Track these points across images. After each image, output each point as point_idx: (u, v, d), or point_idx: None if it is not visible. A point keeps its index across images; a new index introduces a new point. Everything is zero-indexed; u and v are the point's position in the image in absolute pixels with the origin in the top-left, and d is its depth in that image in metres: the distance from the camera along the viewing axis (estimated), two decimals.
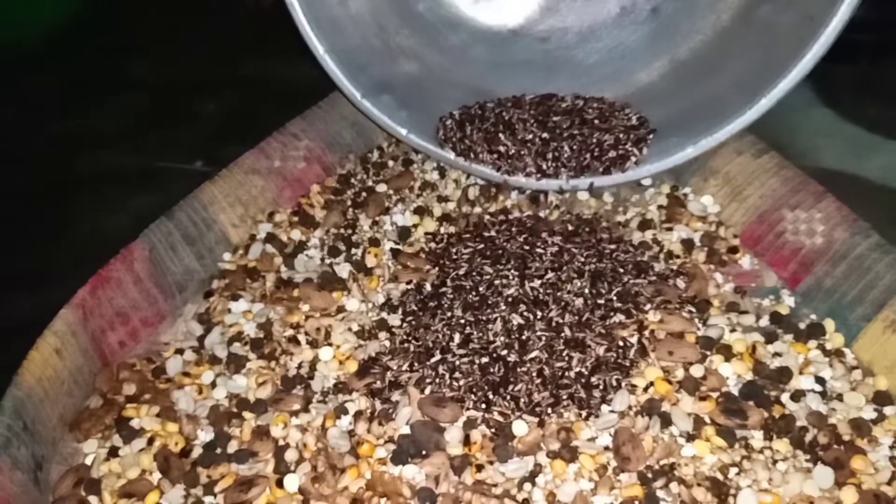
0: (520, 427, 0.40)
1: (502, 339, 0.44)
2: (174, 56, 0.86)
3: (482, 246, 0.51)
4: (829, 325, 0.46)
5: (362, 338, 0.47)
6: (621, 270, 0.48)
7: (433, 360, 0.43)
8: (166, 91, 0.81)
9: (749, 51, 0.54)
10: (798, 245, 0.49)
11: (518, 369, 0.42)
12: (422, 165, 0.61)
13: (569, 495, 0.38)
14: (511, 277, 0.47)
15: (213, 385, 0.45)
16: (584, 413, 0.41)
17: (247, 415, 0.43)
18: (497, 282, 0.47)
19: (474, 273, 0.48)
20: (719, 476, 0.39)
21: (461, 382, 0.42)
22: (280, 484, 0.39)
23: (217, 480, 0.40)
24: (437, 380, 0.43)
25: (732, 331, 0.46)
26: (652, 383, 0.43)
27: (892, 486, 0.38)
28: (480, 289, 0.47)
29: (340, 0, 0.59)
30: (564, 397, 0.42)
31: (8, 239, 0.62)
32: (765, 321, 0.47)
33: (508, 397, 0.42)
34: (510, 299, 0.46)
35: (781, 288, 0.49)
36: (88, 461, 0.42)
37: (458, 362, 0.43)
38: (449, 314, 0.46)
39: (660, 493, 0.38)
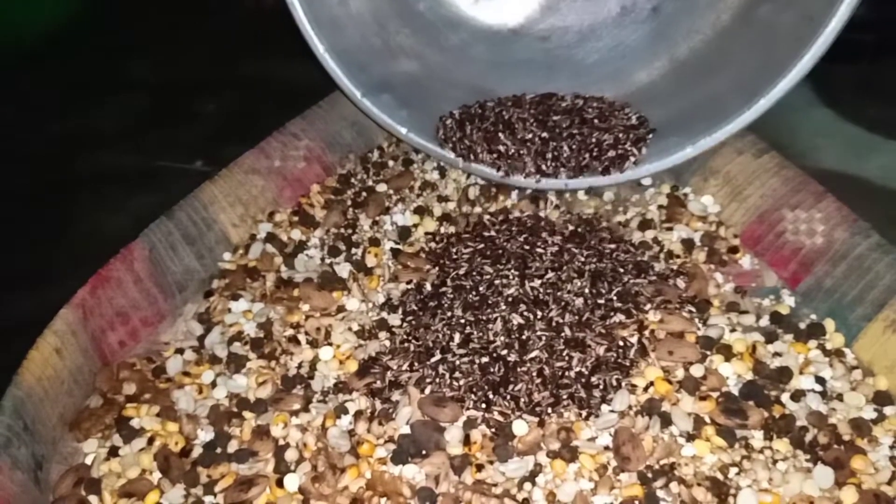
0: (520, 427, 0.40)
1: (502, 338, 0.44)
2: (174, 56, 0.86)
3: (482, 246, 0.51)
4: (830, 324, 0.46)
5: (362, 337, 0.47)
6: (621, 270, 0.48)
7: (433, 359, 0.43)
8: (166, 91, 0.81)
9: (748, 51, 0.54)
10: (798, 245, 0.49)
11: (518, 369, 0.42)
12: (422, 165, 0.61)
13: (569, 495, 0.38)
14: (511, 277, 0.47)
15: (214, 385, 0.45)
16: (584, 413, 0.41)
17: (247, 414, 0.43)
18: (497, 281, 0.47)
19: (474, 273, 0.48)
20: (719, 476, 0.39)
21: (461, 382, 0.42)
22: (280, 483, 0.40)
23: (217, 480, 0.40)
24: (438, 379, 0.43)
25: (732, 331, 0.46)
26: (652, 383, 0.43)
27: (893, 485, 0.38)
28: (480, 288, 0.47)
29: None
30: (564, 397, 0.42)
31: (8, 239, 0.62)
32: (765, 321, 0.47)
33: (508, 397, 0.42)
34: (510, 299, 0.46)
35: (781, 288, 0.49)
36: (88, 461, 0.42)
37: (458, 362, 0.43)
38: (449, 314, 0.46)
39: (660, 493, 0.38)
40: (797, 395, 0.42)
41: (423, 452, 0.40)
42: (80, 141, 0.74)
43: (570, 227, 0.53)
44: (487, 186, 0.57)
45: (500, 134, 0.56)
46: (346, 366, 0.45)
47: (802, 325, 0.46)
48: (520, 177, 0.56)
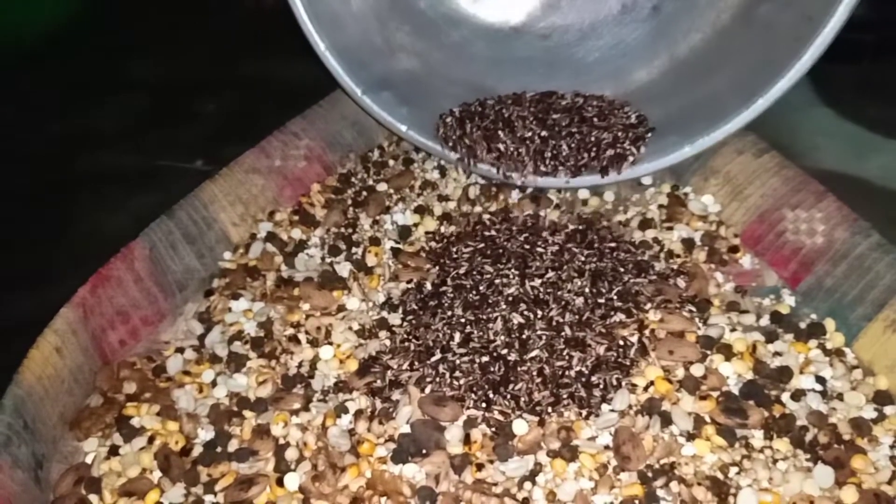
0: (520, 426, 0.40)
1: (503, 338, 0.44)
2: (174, 56, 0.86)
3: (482, 245, 0.51)
4: (830, 324, 0.46)
5: (363, 337, 0.47)
6: (622, 270, 0.48)
7: (433, 359, 0.43)
8: (166, 91, 0.81)
9: (748, 50, 0.54)
10: (798, 244, 0.49)
11: (518, 368, 0.42)
12: (422, 165, 0.61)
13: (569, 494, 0.38)
14: (511, 276, 0.47)
15: (214, 384, 0.45)
16: (584, 412, 0.41)
17: (247, 413, 0.43)
18: (497, 281, 0.47)
19: (475, 272, 0.48)
20: (719, 475, 0.39)
21: (461, 381, 0.42)
22: (280, 483, 0.39)
23: (217, 479, 0.40)
24: (438, 379, 0.43)
25: (733, 330, 0.46)
26: (652, 382, 0.43)
27: (893, 485, 0.38)
28: (481, 288, 0.47)
29: None
30: (565, 396, 0.42)
31: (8, 239, 0.62)
32: (765, 320, 0.47)
33: (509, 396, 0.42)
34: (510, 298, 0.46)
35: (782, 287, 0.49)
36: (89, 460, 0.42)
37: (458, 361, 0.43)
38: (449, 313, 0.46)
39: (660, 493, 0.38)
40: (797, 395, 0.42)
41: (424, 452, 0.40)
42: (80, 141, 0.74)
43: (571, 227, 0.53)
44: (488, 186, 0.57)
45: (500, 132, 0.56)
46: (346, 365, 0.45)
47: (803, 325, 0.46)
48: (519, 176, 0.56)
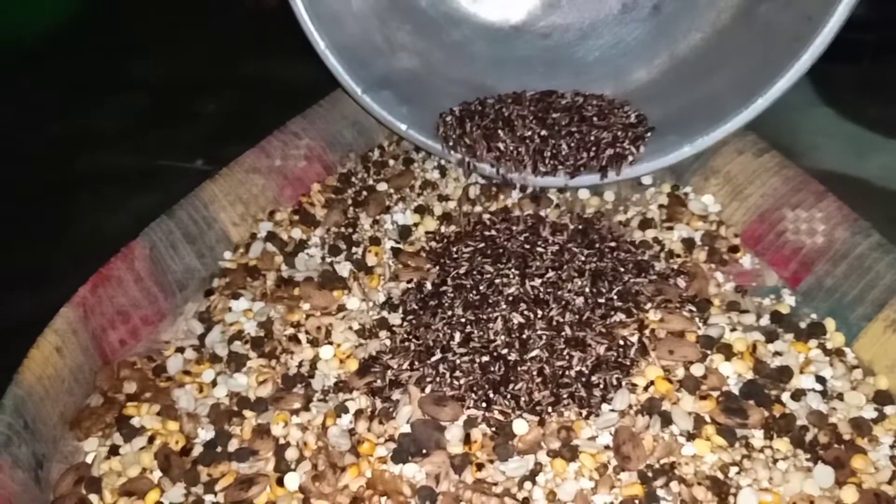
0: (520, 426, 0.40)
1: (503, 337, 0.44)
2: (174, 56, 0.86)
3: (483, 245, 0.51)
4: (830, 324, 0.46)
5: (363, 336, 0.47)
6: (622, 269, 0.48)
7: (434, 358, 0.43)
8: (166, 91, 0.81)
9: (748, 50, 0.54)
10: (799, 244, 0.49)
11: (518, 368, 0.42)
12: (422, 164, 0.61)
13: (569, 494, 0.38)
14: (512, 276, 0.47)
15: (214, 383, 0.45)
16: (584, 412, 0.41)
17: (247, 413, 0.43)
18: (498, 281, 0.47)
19: (475, 272, 0.48)
20: (720, 475, 0.39)
21: (462, 381, 0.42)
22: (280, 482, 0.39)
23: (218, 479, 0.40)
24: (438, 378, 0.43)
25: (733, 330, 0.46)
26: (652, 382, 0.43)
27: (893, 485, 0.38)
28: (481, 288, 0.47)
29: None
30: (565, 396, 0.42)
31: (8, 239, 0.62)
32: (765, 320, 0.47)
33: (509, 396, 0.42)
34: (511, 298, 0.46)
35: (782, 287, 0.49)
36: (89, 459, 0.42)
37: (458, 361, 0.43)
38: (449, 313, 0.46)
39: (660, 492, 0.38)
40: (797, 395, 0.42)
41: (424, 451, 0.40)
42: (80, 141, 0.74)
43: (571, 227, 0.53)
44: (488, 185, 0.57)
45: (500, 131, 0.56)
46: (346, 365, 0.45)
47: (803, 325, 0.46)
48: (518, 176, 0.56)
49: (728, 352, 0.44)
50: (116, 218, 0.63)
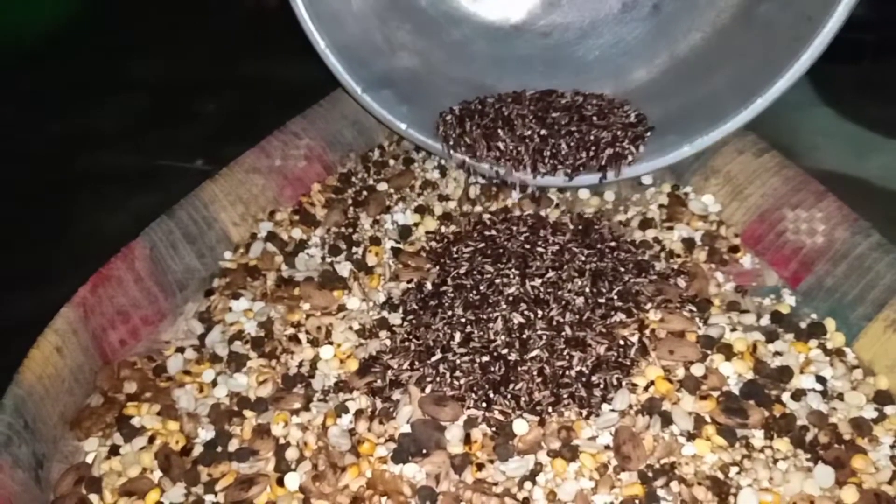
0: (520, 426, 0.40)
1: (503, 337, 0.44)
2: (174, 56, 0.86)
3: (483, 245, 0.51)
4: (830, 324, 0.46)
5: (363, 336, 0.47)
6: (622, 269, 0.48)
7: (434, 358, 0.43)
8: (166, 91, 0.81)
9: (747, 50, 0.54)
10: (799, 244, 0.49)
11: (519, 368, 0.42)
12: (423, 164, 0.61)
13: (569, 494, 0.38)
14: (512, 276, 0.47)
15: (214, 383, 0.45)
16: (584, 412, 0.41)
17: (247, 413, 0.43)
18: (498, 280, 0.47)
19: (475, 272, 0.48)
20: (720, 475, 0.39)
21: (462, 381, 0.42)
22: (281, 482, 0.39)
23: (218, 479, 0.40)
24: (438, 378, 0.43)
25: (733, 330, 0.46)
26: (652, 382, 0.43)
27: (893, 485, 0.38)
28: (481, 287, 0.47)
29: None
30: (565, 396, 0.41)
31: (8, 239, 0.62)
32: (765, 320, 0.47)
33: (509, 396, 0.42)
34: (511, 298, 0.46)
35: (782, 287, 0.49)
36: (89, 459, 0.42)
37: (458, 361, 0.43)
38: (450, 313, 0.46)
39: (660, 492, 0.38)
40: (798, 395, 0.42)
41: (424, 451, 0.40)
42: (80, 141, 0.74)
43: (571, 227, 0.53)
44: (488, 185, 0.57)
45: (500, 130, 0.56)
46: (346, 365, 0.45)
47: (803, 325, 0.46)
48: (518, 175, 0.56)
49: (728, 352, 0.44)
50: (116, 218, 0.63)
